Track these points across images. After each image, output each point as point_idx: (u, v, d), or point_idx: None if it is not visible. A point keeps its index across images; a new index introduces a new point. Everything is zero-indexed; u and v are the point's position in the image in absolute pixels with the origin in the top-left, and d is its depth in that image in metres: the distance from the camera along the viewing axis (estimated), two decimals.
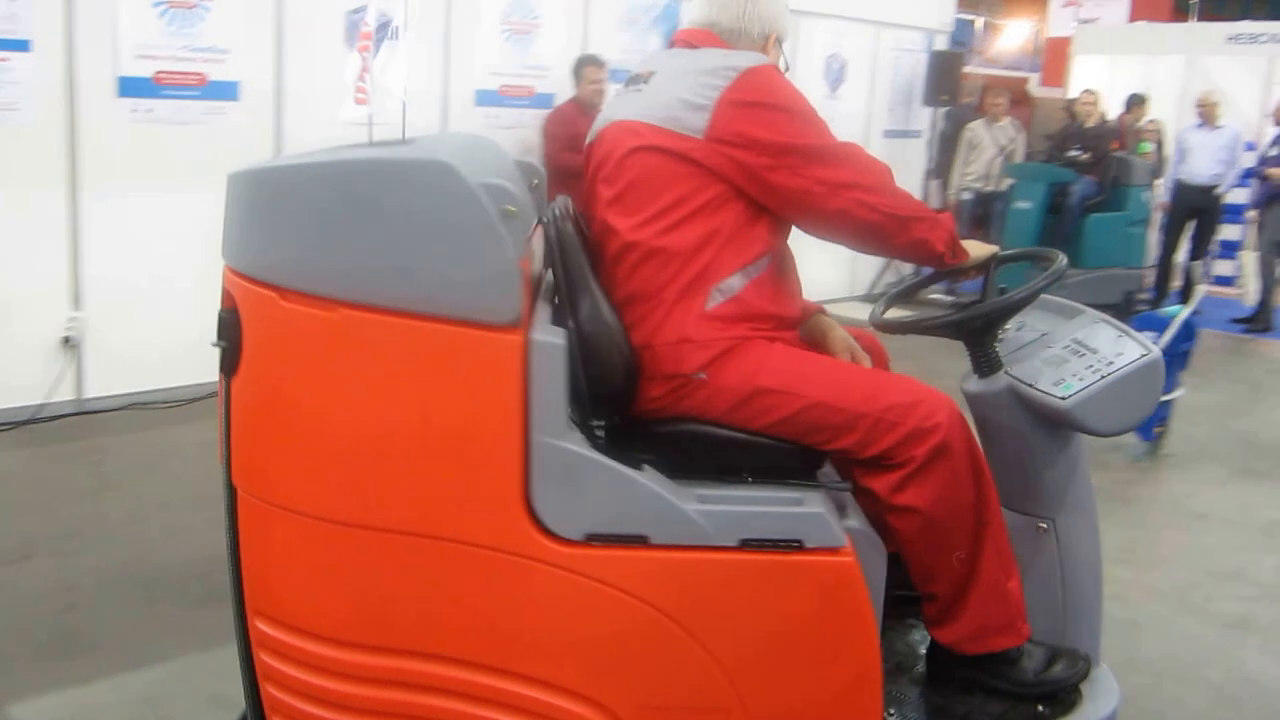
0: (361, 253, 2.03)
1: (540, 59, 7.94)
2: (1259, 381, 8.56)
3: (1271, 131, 10.92)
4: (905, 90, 11.35)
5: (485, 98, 7.73)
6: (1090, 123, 10.49)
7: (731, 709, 2.24)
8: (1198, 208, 10.74)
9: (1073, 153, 10.21)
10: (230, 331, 2.11)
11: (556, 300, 2.30)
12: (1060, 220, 9.83)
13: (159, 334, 6.23)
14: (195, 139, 6.29)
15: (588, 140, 2.61)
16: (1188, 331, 6.16)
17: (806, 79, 9.60)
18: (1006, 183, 10.55)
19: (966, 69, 13.84)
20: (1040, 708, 2.50)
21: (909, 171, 11.01)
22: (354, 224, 2.02)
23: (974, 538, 2.41)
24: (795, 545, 2.22)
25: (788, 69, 2.61)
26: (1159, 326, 6.15)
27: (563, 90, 7.79)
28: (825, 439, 2.35)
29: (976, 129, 11.10)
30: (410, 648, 2.16)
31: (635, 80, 2.56)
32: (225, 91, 6.38)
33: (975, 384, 2.67)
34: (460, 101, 7.59)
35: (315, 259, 2.05)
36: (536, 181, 2.74)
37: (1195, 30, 15.99)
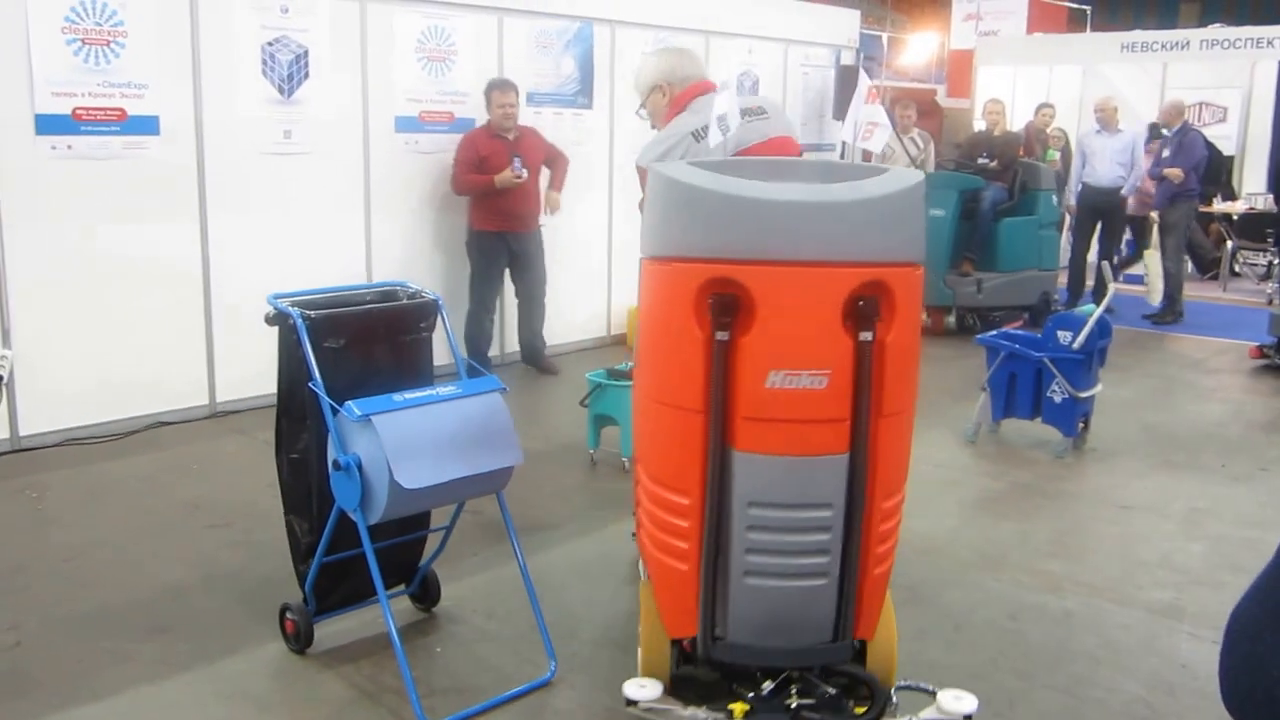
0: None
1: (457, 85, 7.97)
2: (1172, 377, 8.80)
3: (1164, 134, 11.28)
4: (817, 105, 11.56)
5: (405, 124, 7.74)
6: (997, 131, 10.74)
7: None
8: (1103, 209, 11.08)
9: (981, 160, 10.44)
10: (874, 308, 2.94)
11: None
12: (974, 226, 10.06)
13: (91, 369, 6.20)
14: (117, 174, 6.24)
15: (739, 148, 3.96)
16: (1103, 329, 6.34)
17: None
18: None
19: (875, 83, 14.06)
20: None
21: None
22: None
23: None
24: None
25: None
26: (1075, 326, 6.33)
27: (482, 115, 7.80)
28: None
29: (889, 141, 11.27)
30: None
31: (760, 111, 4.16)
32: (146, 126, 6.34)
33: None
34: (380, 127, 7.60)
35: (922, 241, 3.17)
36: None
37: (1091, 40, 16.48)
